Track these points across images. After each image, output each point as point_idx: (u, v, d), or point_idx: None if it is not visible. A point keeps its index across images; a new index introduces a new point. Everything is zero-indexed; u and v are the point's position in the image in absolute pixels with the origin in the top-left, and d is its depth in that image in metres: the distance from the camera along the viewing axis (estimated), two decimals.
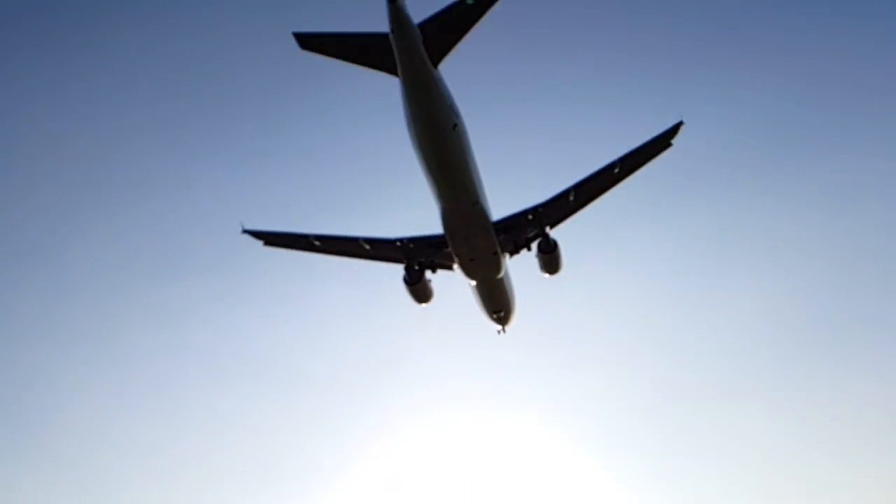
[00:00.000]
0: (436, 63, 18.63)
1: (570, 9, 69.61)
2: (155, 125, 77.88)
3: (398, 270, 25.13)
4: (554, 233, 24.31)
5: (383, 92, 20.11)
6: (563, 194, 23.44)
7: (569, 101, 72.13)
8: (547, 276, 25.19)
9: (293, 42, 18.79)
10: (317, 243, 25.60)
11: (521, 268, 25.36)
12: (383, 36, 17.94)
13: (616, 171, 23.24)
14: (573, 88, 74.18)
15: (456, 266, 24.09)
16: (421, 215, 24.79)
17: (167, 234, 77.96)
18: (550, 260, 24.47)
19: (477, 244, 22.31)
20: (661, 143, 23.36)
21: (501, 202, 21.88)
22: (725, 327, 72.09)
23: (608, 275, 63.28)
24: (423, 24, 18.10)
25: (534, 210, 23.42)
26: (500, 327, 27.32)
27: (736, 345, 73.14)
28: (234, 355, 77.77)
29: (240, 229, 26.16)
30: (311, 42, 18.82)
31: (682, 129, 22.86)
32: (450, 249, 23.04)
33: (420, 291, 24.95)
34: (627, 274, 67.68)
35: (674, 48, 73.59)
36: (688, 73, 71.91)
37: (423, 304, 25.73)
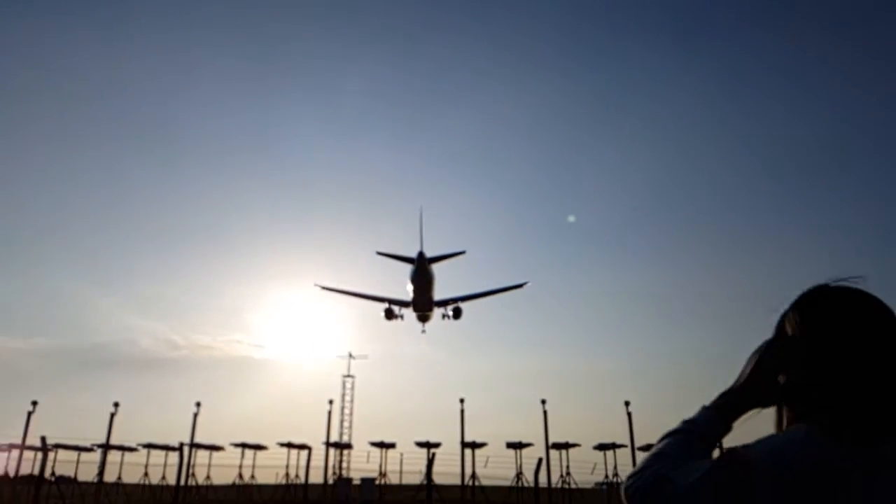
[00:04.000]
0: (431, 264, 37.87)
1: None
2: None
3: None
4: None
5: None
6: (473, 294, 43.32)
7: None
8: (454, 321, 43.77)
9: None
10: (348, 293, 44.01)
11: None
12: (413, 258, 37.62)
13: (495, 291, 43.56)
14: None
15: (410, 308, 41.60)
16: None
17: None
18: (458, 315, 43.19)
19: (425, 307, 40.82)
20: (516, 287, 43.07)
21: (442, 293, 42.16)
22: None
23: None
24: (431, 258, 37.60)
25: (454, 298, 42.61)
26: (423, 328, 44.76)
27: None
28: None
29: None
30: (381, 254, 38.65)
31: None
32: (411, 306, 41.07)
33: (390, 317, 42.90)
34: None
35: None
36: None
37: (390, 321, 43.19)
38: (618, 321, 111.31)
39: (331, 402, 33.55)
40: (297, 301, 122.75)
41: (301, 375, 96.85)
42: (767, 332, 1.61)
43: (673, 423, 1.80)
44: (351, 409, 38.73)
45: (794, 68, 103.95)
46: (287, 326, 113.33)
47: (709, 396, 1.74)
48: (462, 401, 31.27)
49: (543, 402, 29.30)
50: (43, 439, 18.90)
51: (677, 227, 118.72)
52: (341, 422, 37.63)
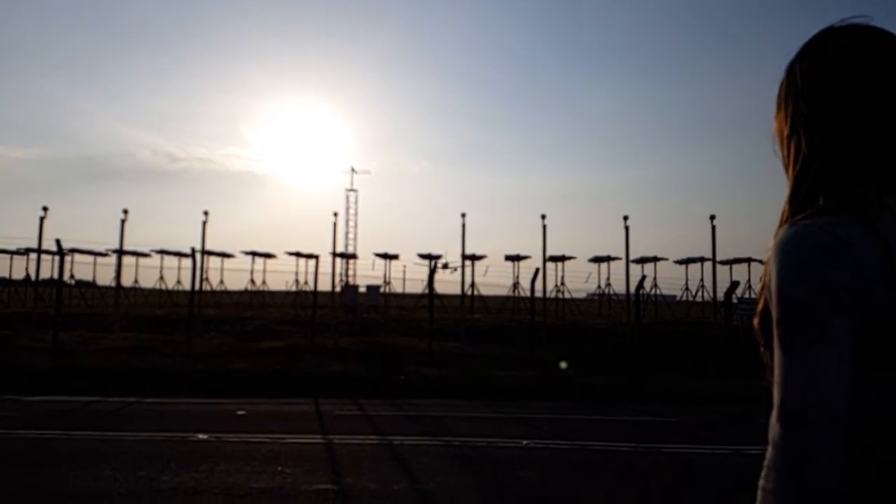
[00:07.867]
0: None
1: None
2: None
3: None
4: None
5: None
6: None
7: None
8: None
9: None
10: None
11: None
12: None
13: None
14: None
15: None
16: None
17: None
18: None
19: None
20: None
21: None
22: None
23: None
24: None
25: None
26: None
27: None
28: None
29: None
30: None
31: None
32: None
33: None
34: None
35: None
36: None
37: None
38: (619, 140, 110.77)
39: (336, 214, 34.16)
40: (293, 114, 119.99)
41: (303, 190, 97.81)
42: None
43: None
44: (356, 223, 39.65)
45: None
46: (285, 140, 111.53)
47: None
48: (464, 215, 31.88)
49: (543, 216, 29.96)
50: (58, 242, 19.39)
51: (681, 46, 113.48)
52: (346, 233, 38.72)
